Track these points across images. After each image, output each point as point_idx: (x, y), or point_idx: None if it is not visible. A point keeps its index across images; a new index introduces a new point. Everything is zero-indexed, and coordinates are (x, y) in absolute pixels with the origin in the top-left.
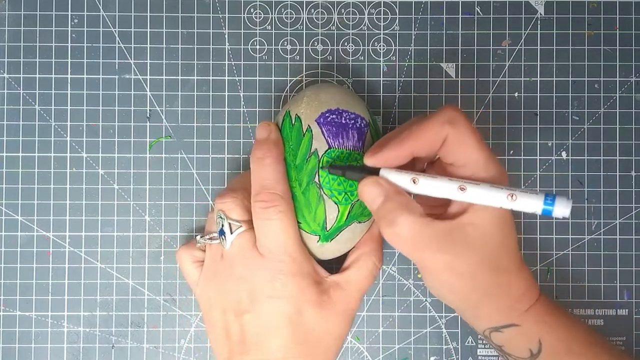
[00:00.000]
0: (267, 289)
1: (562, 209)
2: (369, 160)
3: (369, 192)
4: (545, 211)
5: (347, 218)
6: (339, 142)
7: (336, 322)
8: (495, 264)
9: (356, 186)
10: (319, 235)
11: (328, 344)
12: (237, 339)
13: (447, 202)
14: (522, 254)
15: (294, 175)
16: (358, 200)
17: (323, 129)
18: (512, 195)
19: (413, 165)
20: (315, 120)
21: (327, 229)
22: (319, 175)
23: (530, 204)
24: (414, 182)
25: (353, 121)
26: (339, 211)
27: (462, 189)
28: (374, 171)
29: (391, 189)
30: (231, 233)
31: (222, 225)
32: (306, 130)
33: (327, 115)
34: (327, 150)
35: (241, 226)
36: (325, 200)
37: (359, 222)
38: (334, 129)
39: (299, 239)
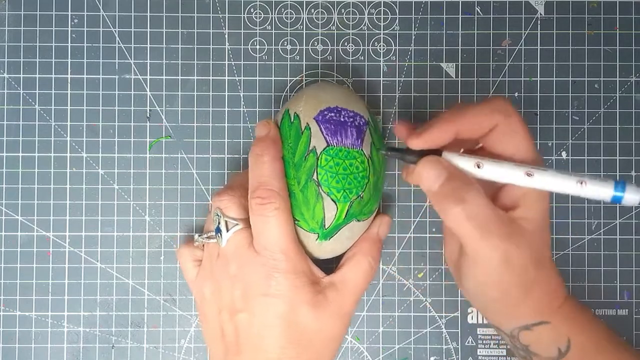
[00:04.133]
0: (261, 287)
1: (632, 196)
2: (413, 142)
3: (429, 170)
4: (615, 198)
5: (345, 216)
6: (337, 139)
7: (332, 324)
8: (539, 259)
9: (355, 184)
10: (318, 234)
11: (323, 346)
12: (231, 339)
13: (493, 193)
14: None
15: (293, 173)
16: (357, 198)
17: (321, 126)
18: (582, 182)
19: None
20: (314, 118)
21: (326, 227)
22: (317, 173)
23: (600, 190)
24: (478, 167)
25: (352, 119)
26: (337, 209)
27: (529, 174)
28: (435, 155)
29: (454, 167)
30: (227, 231)
31: (219, 223)
32: (305, 128)
33: (325, 113)
34: (325, 147)
35: (237, 224)
36: (323, 198)
37: (358, 221)
38: (333, 126)
39: (295, 237)
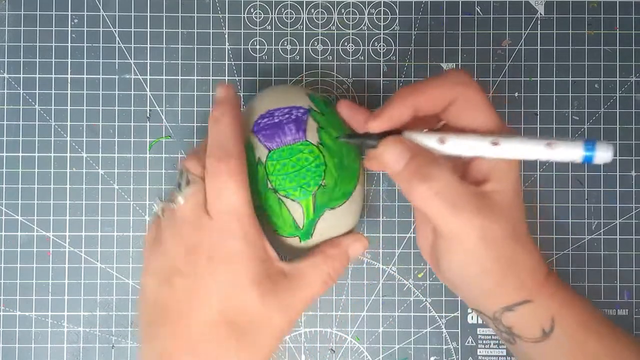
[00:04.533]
0: (208, 250)
1: (603, 154)
2: (372, 125)
3: (391, 151)
4: (587, 158)
5: (314, 210)
6: (276, 142)
7: (276, 316)
8: (517, 234)
9: (310, 175)
10: (298, 236)
11: (259, 338)
12: (161, 307)
13: (461, 170)
14: None
15: (253, 188)
16: (319, 188)
17: (258, 136)
18: (551, 144)
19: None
20: (251, 131)
21: (301, 227)
22: (269, 181)
23: (570, 151)
24: (442, 142)
25: (287, 115)
26: (302, 206)
27: (495, 143)
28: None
29: (417, 146)
30: (187, 185)
31: (181, 178)
32: (247, 145)
33: (259, 122)
34: (268, 154)
35: (197, 180)
36: (284, 201)
37: (332, 209)
38: (268, 131)
39: (250, 204)
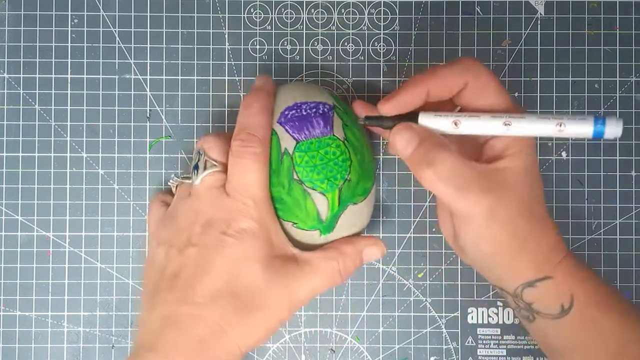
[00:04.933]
0: (222, 225)
1: (613, 129)
2: (384, 107)
3: (401, 138)
4: (597, 134)
5: (339, 203)
6: (305, 134)
7: (276, 295)
8: (530, 211)
9: (337, 169)
10: (319, 229)
11: (259, 314)
12: (169, 275)
13: (478, 150)
14: None
15: (276, 179)
16: (344, 182)
17: (286, 127)
18: (561, 124)
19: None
20: (277, 122)
21: (324, 220)
22: (296, 171)
23: (581, 129)
24: (456, 125)
25: (314, 109)
26: (328, 199)
27: (507, 124)
28: (412, 118)
29: (425, 131)
30: (204, 170)
31: (198, 161)
32: (272, 135)
33: (286, 113)
34: (295, 145)
35: (216, 165)
36: (310, 193)
37: (355, 204)
38: (296, 123)
39: (268, 189)
